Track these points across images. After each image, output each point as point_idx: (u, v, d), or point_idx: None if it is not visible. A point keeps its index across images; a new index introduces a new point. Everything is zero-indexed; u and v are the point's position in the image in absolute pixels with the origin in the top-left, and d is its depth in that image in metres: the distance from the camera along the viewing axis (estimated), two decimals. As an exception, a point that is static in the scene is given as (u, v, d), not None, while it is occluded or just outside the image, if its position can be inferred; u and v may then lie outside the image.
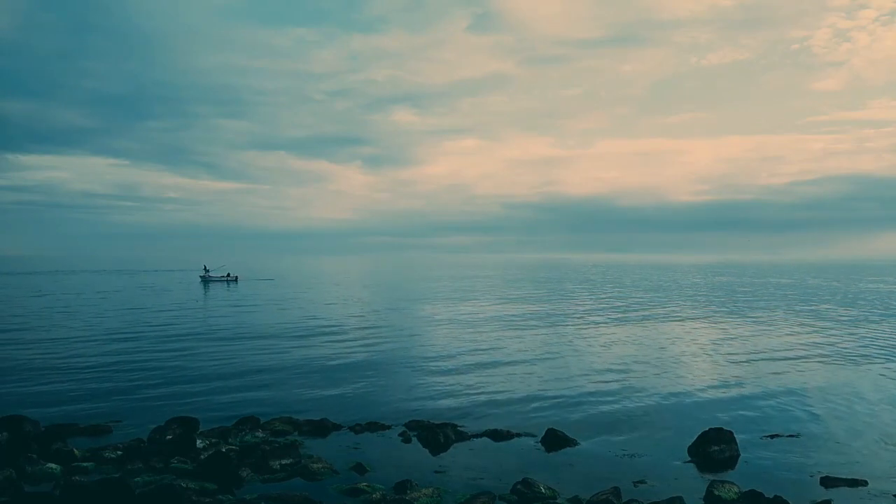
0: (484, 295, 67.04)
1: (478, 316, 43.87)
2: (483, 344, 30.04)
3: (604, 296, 66.02)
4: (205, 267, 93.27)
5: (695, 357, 26.57)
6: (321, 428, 15.22)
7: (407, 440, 14.54)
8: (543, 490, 11.03)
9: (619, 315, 44.84)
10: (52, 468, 11.83)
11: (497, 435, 14.97)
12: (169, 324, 37.63)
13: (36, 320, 38.93)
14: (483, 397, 19.01)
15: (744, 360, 25.91)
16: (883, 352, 28.33)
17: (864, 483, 11.81)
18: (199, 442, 13.40)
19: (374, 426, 15.54)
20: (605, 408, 17.85)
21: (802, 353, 27.79)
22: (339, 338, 31.83)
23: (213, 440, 13.76)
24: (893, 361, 25.75)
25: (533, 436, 14.88)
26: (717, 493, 10.95)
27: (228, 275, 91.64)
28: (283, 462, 12.42)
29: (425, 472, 12.28)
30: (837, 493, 11.43)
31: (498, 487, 11.43)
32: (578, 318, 43.01)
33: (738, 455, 13.47)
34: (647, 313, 46.11)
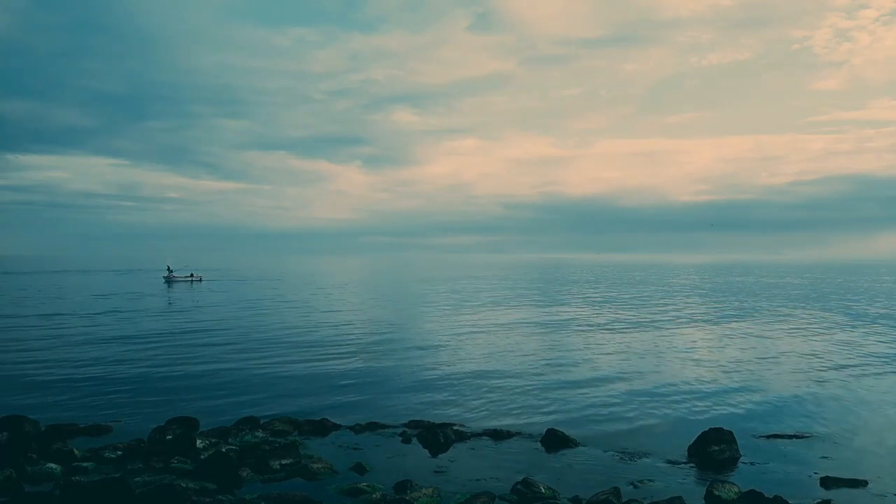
0: (484, 295, 67.02)
1: (478, 316, 43.86)
2: (483, 344, 30.04)
3: (598, 296, 66.00)
4: (168, 267, 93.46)
5: (695, 357, 26.55)
6: (321, 428, 15.22)
7: (407, 440, 14.54)
8: (543, 490, 11.03)
9: (619, 315, 44.85)
10: (52, 468, 11.83)
11: (497, 435, 14.97)
12: (168, 323, 37.64)
13: (36, 320, 38.94)
14: (483, 397, 19.01)
15: (745, 359, 25.90)
16: (885, 351, 28.32)
17: (864, 483, 11.81)
18: (199, 442, 13.40)
19: (374, 426, 15.54)
20: (605, 408, 17.85)
21: (804, 353, 27.79)
22: (339, 338, 31.82)
23: (213, 440, 13.76)
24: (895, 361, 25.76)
25: (533, 436, 14.88)
26: (717, 493, 10.95)
27: (192, 275, 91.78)
28: (283, 462, 12.42)
29: (425, 472, 12.28)
30: (837, 493, 11.43)
31: (498, 487, 11.43)
32: (577, 318, 43.01)
33: (738, 455, 13.47)
34: (646, 314, 46.11)
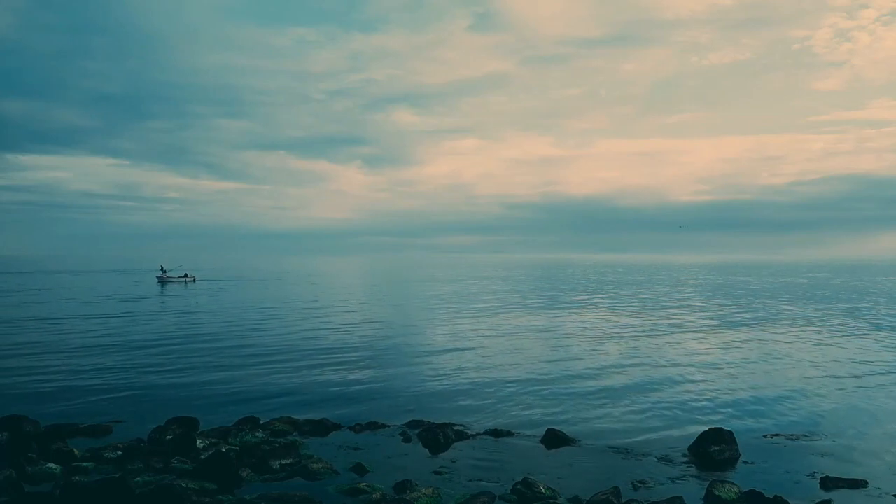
0: (484, 296, 67.00)
1: (477, 316, 43.86)
2: (482, 344, 30.03)
3: (599, 297, 65.98)
4: (161, 267, 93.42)
5: (695, 357, 26.55)
6: (321, 428, 15.22)
7: (407, 440, 14.54)
8: (543, 490, 11.03)
9: (619, 315, 44.83)
10: (52, 468, 11.83)
11: (497, 435, 14.98)
12: (167, 323, 37.63)
13: (35, 320, 38.93)
14: (483, 397, 19.01)
15: (745, 360, 25.89)
16: (890, 352, 28.31)
17: (864, 483, 11.81)
18: (199, 442, 13.40)
19: (374, 426, 15.55)
20: (605, 408, 17.85)
21: (805, 353, 27.79)
22: (339, 338, 31.83)
23: (213, 440, 13.76)
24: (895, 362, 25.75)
25: (533, 436, 14.88)
26: (717, 493, 10.95)
27: (186, 275, 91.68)
28: (283, 462, 12.42)
29: (425, 472, 12.29)
30: (837, 493, 11.43)
31: (498, 487, 11.44)
32: (578, 319, 43.00)
33: (738, 455, 13.48)
34: (648, 315, 46.11)
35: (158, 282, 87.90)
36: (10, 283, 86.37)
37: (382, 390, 19.86)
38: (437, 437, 14.29)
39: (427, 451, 13.84)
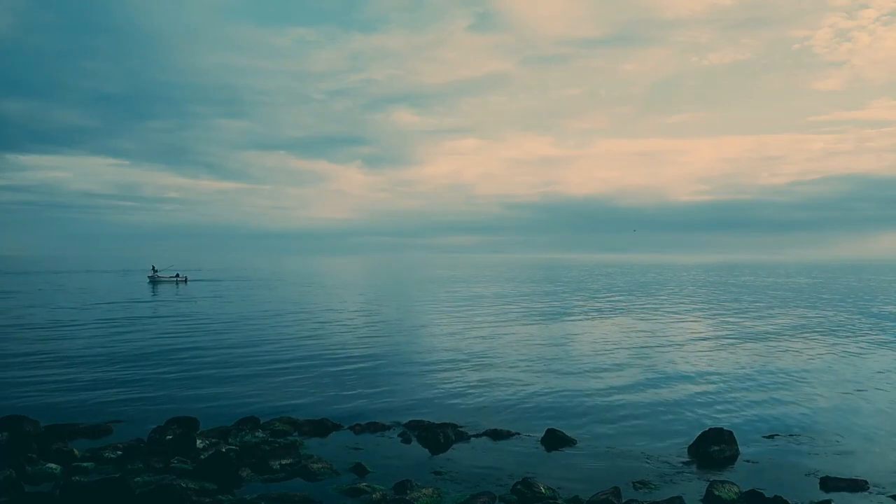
0: (483, 295, 66.99)
1: (478, 316, 43.86)
2: (483, 344, 30.03)
3: (597, 297, 65.99)
4: (153, 267, 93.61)
5: (696, 357, 26.54)
6: (321, 428, 15.22)
7: (407, 440, 14.55)
8: (543, 490, 11.03)
9: (618, 316, 44.84)
10: (52, 468, 11.83)
11: (497, 435, 14.97)
12: (166, 323, 37.63)
13: (35, 320, 38.93)
14: (483, 397, 19.01)
15: (745, 360, 25.89)
16: (885, 351, 28.31)
17: (864, 483, 11.81)
18: (199, 442, 13.41)
19: (374, 426, 15.54)
20: (605, 408, 17.84)
21: (805, 352, 27.78)
22: (339, 338, 31.83)
23: (213, 440, 13.77)
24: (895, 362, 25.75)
25: (533, 436, 14.89)
26: (717, 493, 10.95)
27: (177, 275, 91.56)
28: (283, 462, 12.43)
29: (425, 472, 12.29)
30: (837, 493, 11.43)
31: (498, 487, 11.44)
32: (578, 317, 43.01)
33: (738, 455, 13.48)
34: (645, 314, 46.11)
35: (150, 281, 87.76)
36: (10, 283, 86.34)
37: (383, 390, 19.86)
38: (437, 437, 14.30)
39: (427, 451, 13.84)
